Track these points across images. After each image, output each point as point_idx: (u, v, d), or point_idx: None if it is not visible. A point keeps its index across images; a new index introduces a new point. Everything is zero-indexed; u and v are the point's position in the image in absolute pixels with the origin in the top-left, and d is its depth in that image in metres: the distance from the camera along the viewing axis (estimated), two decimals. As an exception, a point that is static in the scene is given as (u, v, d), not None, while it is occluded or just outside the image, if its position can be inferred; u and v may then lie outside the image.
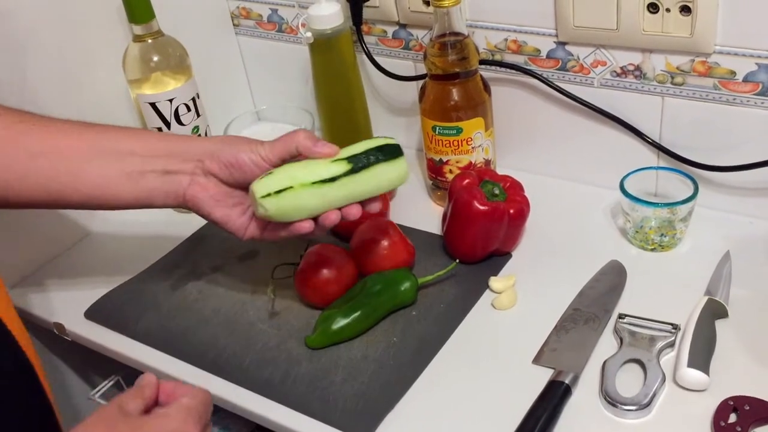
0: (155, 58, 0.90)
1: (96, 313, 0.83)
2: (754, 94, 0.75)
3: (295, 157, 0.68)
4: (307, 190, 0.66)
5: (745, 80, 0.75)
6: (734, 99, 0.77)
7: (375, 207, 0.70)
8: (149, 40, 0.89)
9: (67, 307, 0.85)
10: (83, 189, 0.69)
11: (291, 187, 0.65)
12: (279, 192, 0.65)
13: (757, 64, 0.73)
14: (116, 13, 0.93)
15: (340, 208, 0.68)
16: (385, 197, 0.89)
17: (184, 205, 0.70)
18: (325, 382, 0.70)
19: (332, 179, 0.66)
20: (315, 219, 0.68)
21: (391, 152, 0.69)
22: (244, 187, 0.69)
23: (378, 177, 0.68)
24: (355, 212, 0.68)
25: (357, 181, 0.67)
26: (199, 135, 0.95)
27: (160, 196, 0.70)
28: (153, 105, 0.90)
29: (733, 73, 0.75)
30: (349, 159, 0.67)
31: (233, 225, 0.70)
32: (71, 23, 0.90)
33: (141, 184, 0.69)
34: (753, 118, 0.76)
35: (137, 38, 0.89)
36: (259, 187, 0.65)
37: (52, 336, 0.86)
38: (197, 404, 0.57)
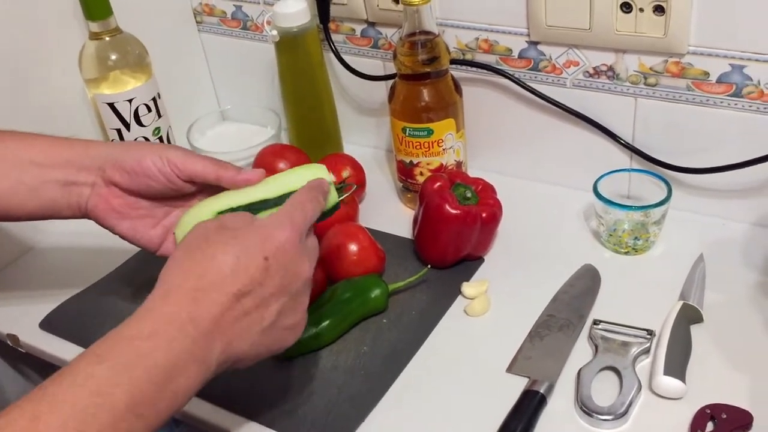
0: (113, 57, 0.86)
1: (51, 324, 0.79)
2: (727, 96, 0.75)
3: (208, 184, 0.64)
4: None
5: (719, 81, 0.74)
6: (708, 100, 0.76)
7: None
8: (107, 38, 0.85)
9: (21, 318, 0.81)
10: None
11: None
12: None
13: (730, 65, 0.73)
14: (71, 9, 0.89)
15: None
16: (354, 200, 0.87)
17: (87, 217, 0.66)
18: (293, 394, 0.68)
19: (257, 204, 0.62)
20: None
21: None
22: (151, 196, 0.65)
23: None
24: None
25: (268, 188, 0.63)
26: (160, 136, 0.91)
27: (63, 208, 0.66)
28: (111, 105, 0.87)
29: (707, 74, 0.74)
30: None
31: (142, 239, 0.66)
32: (23, 19, 0.86)
33: (42, 195, 0.65)
34: (726, 119, 0.76)
35: (94, 36, 0.85)
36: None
37: (6, 348, 0.82)
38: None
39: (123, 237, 0.67)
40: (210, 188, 0.65)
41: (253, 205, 0.62)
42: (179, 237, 0.62)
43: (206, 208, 0.62)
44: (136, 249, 0.86)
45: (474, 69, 0.88)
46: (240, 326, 0.52)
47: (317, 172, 0.63)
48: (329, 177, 0.64)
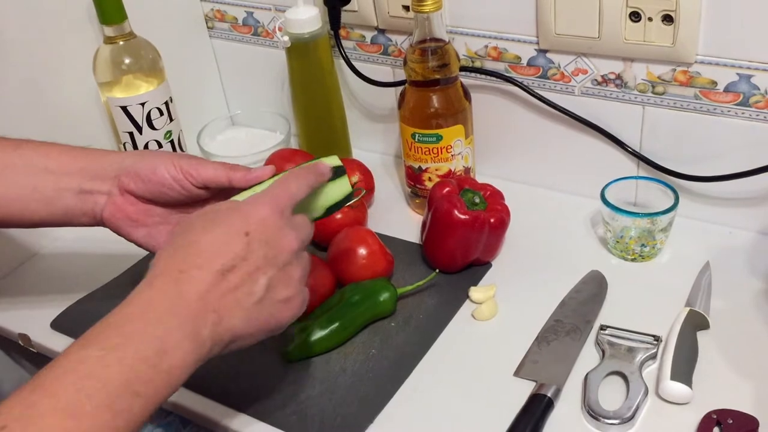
0: (127, 61, 0.87)
1: (63, 323, 0.80)
2: (734, 104, 0.75)
3: (222, 188, 0.65)
4: None
5: (726, 90, 0.75)
6: (715, 109, 0.76)
7: None
8: (121, 42, 0.86)
9: (31, 319, 0.82)
10: None
11: None
12: None
13: (738, 74, 0.73)
14: (86, 13, 0.90)
15: None
16: (363, 205, 0.88)
17: (102, 225, 0.67)
18: (302, 396, 0.68)
19: None
20: None
21: (336, 173, 0.65)
22: (165, 204, 0.66)
23: (325, 195, 0.65)
24: None
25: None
26: (171, 140, 0.92)
27: (77, 215, 0.66)
28: (124, 109, 0.88)
29: (714, 83, 0.75)
30: None
31: (158, 245, 0.66)
32: (39, 24, 0.87)
33: (57, 203, 0.65)
34: (733, 128, 0.76)
35: (108, 40, 0.86)
36: None
37: (18, 348, 0.83)
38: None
39: (139, 244, 0.67)
40: (222, 193, 0.66)
41: None
42: None
43: None
44: (145, 252, 0.86)
45: (483, 76, 0.88)
46: (229, 301, 0.52)
47: (331, 161, 0.65)
48: (338, 163, 0.65)
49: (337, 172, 0.65)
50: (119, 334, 0.48)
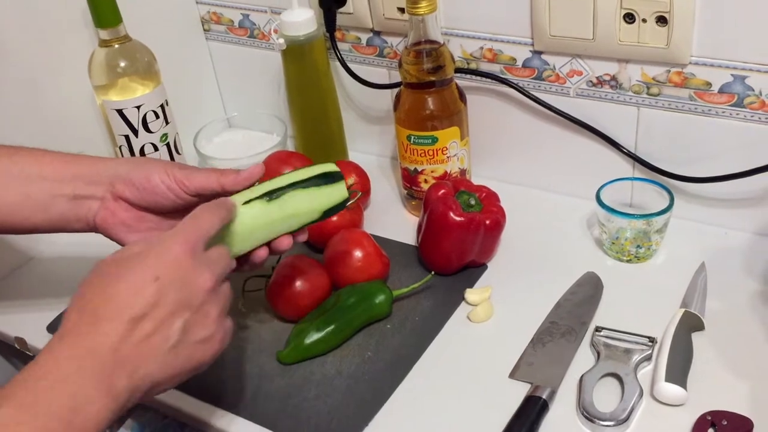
0: (122, 64, 0.87)
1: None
2: (729, 105, 0.75)
3: (215, 194, 0.64)
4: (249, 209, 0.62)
5: (721, 91, 0.75)
6: (710, 110, 0.77)
7: (302, 237, 0.67)
8: (116, 45, 0.86)
9: (27, 322, 0.82)
10: None
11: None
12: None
13: (732, 75, 0.73)
14: (81, 16, 0.90)
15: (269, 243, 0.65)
16: (359, 207, 0.88)
17: (95, 231, 0.67)
18: (298, 399, 0.68)
19: (273, 192, 0.63)
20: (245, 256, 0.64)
21: (333, 177, 0.66)
22: (157, 211, 0.66)
23: (320, 199, 0.65)
24: (286, 243, 0.65)
25: (297, 198, 0.64)
26: (167, 143, 0.92)
27: (72, 221, 0.66)
28: (120, 112, 0.88)
29: (709, 84, 0.75)
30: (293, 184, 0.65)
31: None
32: (34, 27, 0.87)
33: (51, 209, 0.66)
34: (728, 129, 0.76)
35: (103, 43, 0.86)
36: None
37: (14, 351, 0.83)
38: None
39: None
40: (214, 199, 0.66)
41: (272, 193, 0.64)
42: None
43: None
44: None
45: (478, 78, 0.88)
46: (143, 350, 0.51)
47: (327, 167, 0.66)
48: (335, 168, 0.66)
49: (335, 178, 0.66)
50: (32, 391, 0.47)
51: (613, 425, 0.62)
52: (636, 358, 0.67)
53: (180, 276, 0.53)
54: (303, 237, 0.67)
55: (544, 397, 0.65)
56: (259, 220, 0.63)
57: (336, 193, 0.66)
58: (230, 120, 1.10)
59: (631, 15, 0.74)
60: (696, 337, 0.69)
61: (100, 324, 0.50)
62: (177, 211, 0.67)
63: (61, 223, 0.67)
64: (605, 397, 0.64)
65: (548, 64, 0.84)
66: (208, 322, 0.54)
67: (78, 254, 0.90)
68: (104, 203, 0.66)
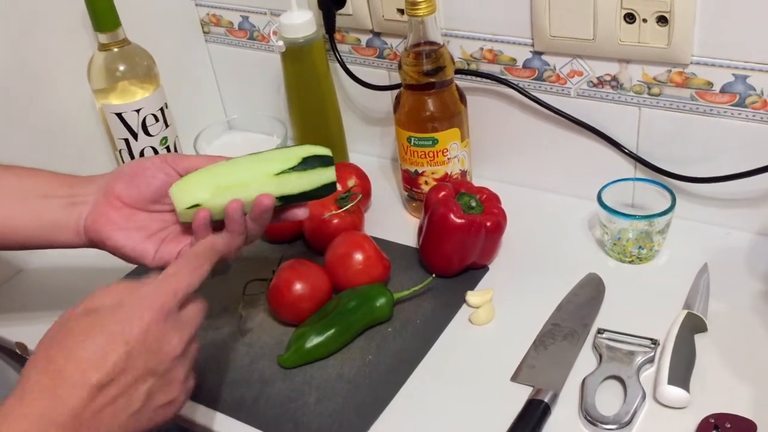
0: (121, 68, 0.87)
1: (60, 332, 0.80)
2: (730, 105, 0.75)
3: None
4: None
5: (722, 91, 0.74)
6: (711, 110, 0.76)
7: (302, 213, 0.68)
8: (115, 49, 0.86)
9: (28, 328, 0.81)
10: None
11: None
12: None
13: (733, 75, 0.73)
14: (80, 20, 0.90)
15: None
16: (359, 209, 0.88)
17: (83, 240, 0.66)
18: (299, 403, 0.68)
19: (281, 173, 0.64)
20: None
21: (326, 162, 0.66)
22: (148, 198, 0.66)
23: (312, 179, 0.66)
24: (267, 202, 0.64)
25: (296, 178, 0.65)
26: (167, 146, 0.92)
27: (62, 228, 0.66)
28: (119, 116, 0.88)
29: (710, 83, 0.75)
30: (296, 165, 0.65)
31: (135, 248, 0.65)
32: (32, 30, 0.87)
33: (43, 216, 0.66)
34: (730, 129, 0.76)
35: (102, 47, 0.86)
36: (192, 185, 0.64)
37: (16, 357, 0.83)
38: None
39: (116, 249, 0.66)
40: None
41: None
42: (173, 194, 0.64)
43: (209, 177, 0.64)
44: (131, 267, 0.84)
45: (478, 79, 0.88)
46: (105, 415, 0.49)
47: (318, 150, 0.66)
48: (325, 152, 0.66)
49: (324, 161, 0.66)
50: None
51: (616, 428, 0.61)
52: (638, 360, 0.67)
53: (150, 343, 0.52)
54: (304, 213, 0.68)
55: (546, 400, 0.64)
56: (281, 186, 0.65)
57: (321, 176, 0.66)
58: (230, 122, 1.10)
59: (632, 15, 0.74)
60: (699, 339, 0.68)
61: (63, 388, 0.48)
62: (166, 212, 0.67)
63: (52, 232, 0.66)
64: (608, 400, 0.64)
65: (549, 65, 0.83)
66: (172, 386, 0.54)
67: (69, 265, 0.90)
68: (95, 206, 0.66)
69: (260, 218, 0.64)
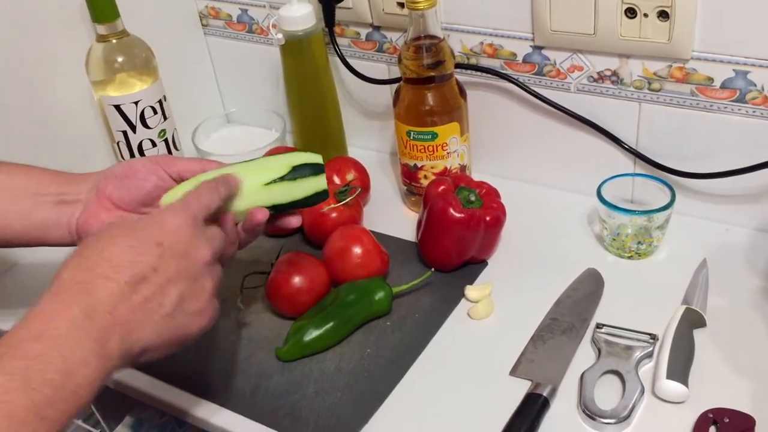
0: (120, 59, 0.87)
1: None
2: (731, 101, 0.75)
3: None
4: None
5: (723, 87, 0.74)
6: (711, 105, 0.76)
7: (296, 221, 0.68)
8: (113, 40, 0.86)
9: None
10: None
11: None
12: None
13: (734, 70, 0.73)
14: (78, 11, 0.90)
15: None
16: (358, 203, 0.87)
17: (73, 239, 0.66)
18: (297, 396, 0.68)
19: (273, 181, 0.64)
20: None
21: (316, 169, 0.66)
22: (140, 201, 0.66)
23: (303, 188, 0.66)
24: (261, 217, 0.64)
25: (287, 187, 0.65)
26: (165, 138, 0.92)
27: (53, 227, 0.66)
28: (118, 107, 0.87)
29: (711, 79, 0.75)
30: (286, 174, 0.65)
31: None
32: (30, 21, 0.87)
33: (34, 215, 0.65)
34: (730, 124, 0.76)
35: (101, 38, 0.86)
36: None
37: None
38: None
39: None
40: None
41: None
42: (165, 204, 0.63)
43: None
44: None
45: (478, 73, 0.88)
46: (138, 314, 0.50)
47: (309, 158, 0.66)
48: (312, 158, 0.67)
49: (314, 169, 0.66)
50: (23, 355, 0.45)
51: (614, 423, 0.61)
52: (637, 355, 0.67)
53: (182, 245, 0.53)
54: (296, 220, 0.68)
55: (544, 394, 0.64)
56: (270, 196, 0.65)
57: (313, 184, 0.66)
58: (229, 116, 1.09)
59: (633, 9, 0.74)
60: (698, 334, 0.68)
61: (98, 282, 0.49)
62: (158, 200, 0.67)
63: (42, 231, 0.66)
64: (606, 394, 0.64)
65: (549, 60, 0.83)
66: (202, 295, 0.55)
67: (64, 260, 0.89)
68: (87, 206, 0.65)
69: (253, 231, 0.65)
